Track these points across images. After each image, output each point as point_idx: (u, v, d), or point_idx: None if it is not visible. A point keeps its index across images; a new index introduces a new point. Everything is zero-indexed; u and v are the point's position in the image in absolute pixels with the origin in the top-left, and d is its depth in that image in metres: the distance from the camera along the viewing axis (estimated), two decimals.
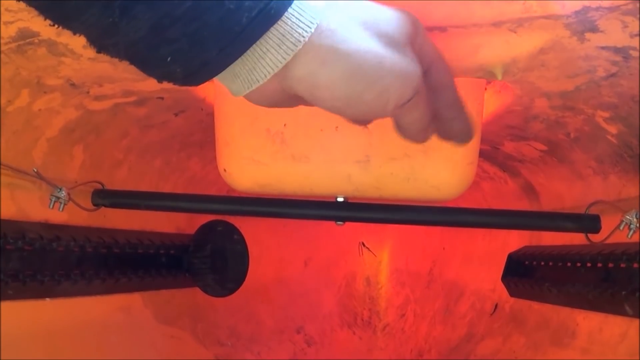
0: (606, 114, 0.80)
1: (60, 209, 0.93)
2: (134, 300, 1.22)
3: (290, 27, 0.35)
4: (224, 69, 0.36)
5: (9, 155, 0.84)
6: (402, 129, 0.43)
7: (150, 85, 0.87)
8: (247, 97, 0.39)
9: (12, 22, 0.65)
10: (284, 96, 0.39)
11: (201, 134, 1.15)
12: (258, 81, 0.37)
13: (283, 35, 0.35)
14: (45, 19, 0.34)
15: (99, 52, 0.35)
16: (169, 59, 0.34)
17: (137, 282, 1.20)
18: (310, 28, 0.35)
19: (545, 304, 1.17)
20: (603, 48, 0.63)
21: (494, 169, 1.31)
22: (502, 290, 1.37)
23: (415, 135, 0.44)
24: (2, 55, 0.71)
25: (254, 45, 0.35)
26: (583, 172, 0.99)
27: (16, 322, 0.88)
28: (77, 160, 1.00)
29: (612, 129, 0.82)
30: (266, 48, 0.35)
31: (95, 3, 0.32)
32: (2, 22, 0.64)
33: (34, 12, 0.63)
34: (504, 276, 1.34)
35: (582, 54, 0.64)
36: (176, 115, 1.04)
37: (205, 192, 1.40)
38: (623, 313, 0.88)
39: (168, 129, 1.09)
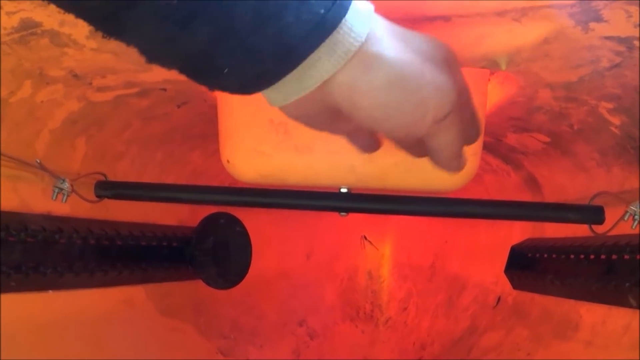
0: (610, 105, 0.79)
1: (63, 201, 0.93)
2: (137, 293, 1.22)
3: (342, 36, 0.35)
4: (278, 81, 0.36)
5: (11, 147, 0.84)
6: (435, 153, 0.44)
7: (152, 76, 0.86)
8: (285, 107, 0.39)
9: (14, 13, 0.65)
10: (321, 107, 0.39)
11: (204, 125, 1.15)
12: (307, 89, 0.37)
13: (335, 45, 0.35)
14: (96, 30, 0.34)
15: (149, 62, 0.35)
16: (225, 70, 0.34)
17: (139, 275, 1.20)
18: (362, 37, 0.35)
19: (548, 296, 1.17)
20: (607, 38, 0.62)
21: (496, 161, 1.31)
22: (505, 282, 1.37)
23: (448, 161, 0.45)
24: (4, 46, 0.71)
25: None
26: (586, 164, 0.99)
27: (18, 315, 0.88)
28: (80, 152, 1.00)
29: (616, 120, 0.82)
30: (318, 57, 0.35)
31: (153, 17, 0.32)
32: (4, 13, 0.64)
33: (37, 2, 0.63)
34: (507, 268, 1.34)
35: (586, 44, 0.64)
36: (179, 107, 1.04)
37: (207, 184, 1.40)
38: (626, 305, 0.88)
39: (170, 120, 1.09)
